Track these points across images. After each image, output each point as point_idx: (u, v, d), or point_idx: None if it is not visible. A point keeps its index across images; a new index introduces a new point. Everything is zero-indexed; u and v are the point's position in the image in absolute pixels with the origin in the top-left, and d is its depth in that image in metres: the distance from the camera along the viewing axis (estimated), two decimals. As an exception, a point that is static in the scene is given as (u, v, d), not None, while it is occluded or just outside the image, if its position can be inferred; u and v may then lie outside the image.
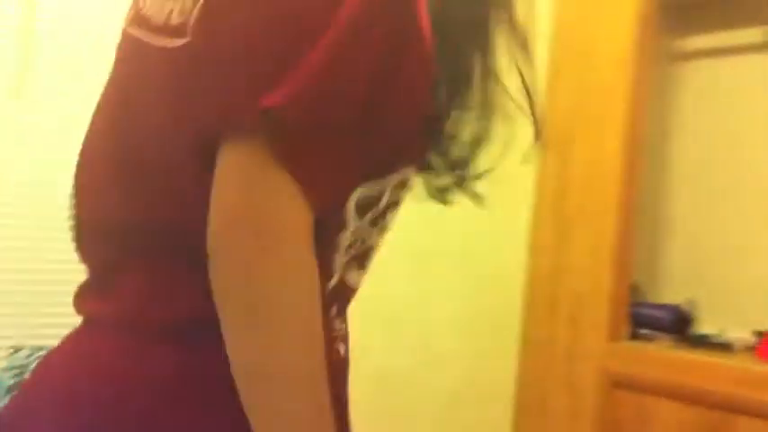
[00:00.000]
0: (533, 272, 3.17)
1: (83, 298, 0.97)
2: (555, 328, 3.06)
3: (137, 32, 0.95)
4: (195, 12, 0.86)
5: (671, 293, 3.14)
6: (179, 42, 0.87)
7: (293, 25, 0.81)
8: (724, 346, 2.80)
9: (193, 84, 0.85)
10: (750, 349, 2.74)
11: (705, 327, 2.95)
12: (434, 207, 1.11)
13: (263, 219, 0.78)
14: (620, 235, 2.91)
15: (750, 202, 3.03)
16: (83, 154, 1.00)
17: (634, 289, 3.05)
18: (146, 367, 0.86)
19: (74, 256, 1.02)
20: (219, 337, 0.80)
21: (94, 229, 0.96)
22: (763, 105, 3.02)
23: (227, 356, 0.80)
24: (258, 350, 0.78)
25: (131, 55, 0.97)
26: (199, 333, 0.84)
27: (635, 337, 2.94)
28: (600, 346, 2.89)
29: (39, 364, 0.98)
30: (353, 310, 1.03)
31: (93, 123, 1.00)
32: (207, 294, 0.81)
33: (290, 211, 0.79)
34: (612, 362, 2.85)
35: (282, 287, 0.78)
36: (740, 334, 2.83)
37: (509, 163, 2.87)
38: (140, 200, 0.89)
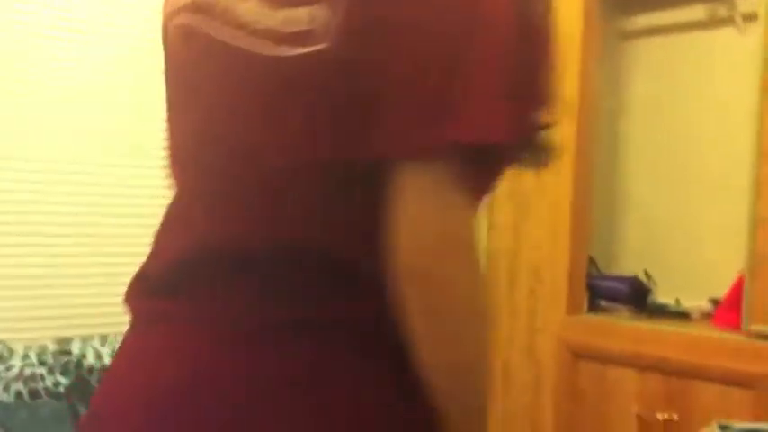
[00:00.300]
0: (493, 248, 3.19)
1: (147, 295, 0.97)
2: (516, 302, 3.09)
3: (216, 32, 0.91)
4: (337, 19, 0.83)
5: (627, 266, 3.19)
6: (305, 51, 0.84)
7: (454, 41, 0.82)
8: (681, 315, 2.85)
9: (333, 101, 0.83)
10: (707, 317, 2.79)
11: (662, 297, 3.00)
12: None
13: (459, 237, 0.85)
14: (576, 209, 2.95)
15: (700, 174, 3.08)
16: (174, 158, 0.99)
17: (591, 262, 3.09)
18: (271, 367, 0.87)
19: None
20: (317, 336, 0.86)
21: (201, 242, 0.93)
22: (708, 81, 3.07)
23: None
24: (461, 351, 0.86)
25: (214, 59, 0.92)
26: (300, 333, 0.87)
27: (594, 308, 2.98)
28: (559, 318, 2.93)
29: (118, 361, 0.99)
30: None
31: (177, 128, 0.99)
32: (308, 297, 0.86)
33: (473, 223, 0.87)
34: (572, 333, 2.89)
35: (476, 293, 0.87)
36: (697, 302, 2.88)
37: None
38: (253, 211, 0.90)
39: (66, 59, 2.69)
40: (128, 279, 1.01)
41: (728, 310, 2.67)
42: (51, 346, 2.07)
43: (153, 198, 2.09)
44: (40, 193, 2.52)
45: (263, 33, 0.86)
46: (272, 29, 0.86)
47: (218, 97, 0.91)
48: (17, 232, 2.39)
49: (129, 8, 2.84)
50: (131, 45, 2.83)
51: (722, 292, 2.75)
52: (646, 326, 2.75)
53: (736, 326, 2.54)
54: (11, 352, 2.03)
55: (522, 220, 3.10)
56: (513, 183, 3.14)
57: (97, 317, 2.27)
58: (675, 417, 2.51)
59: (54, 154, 2.60)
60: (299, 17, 0.84)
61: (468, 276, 0.85)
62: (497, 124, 0.84)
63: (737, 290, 2.64)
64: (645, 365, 2.62)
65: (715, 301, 2.80)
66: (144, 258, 1.01)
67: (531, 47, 0.89)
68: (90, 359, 2.00)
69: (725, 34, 3.00)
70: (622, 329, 2.77)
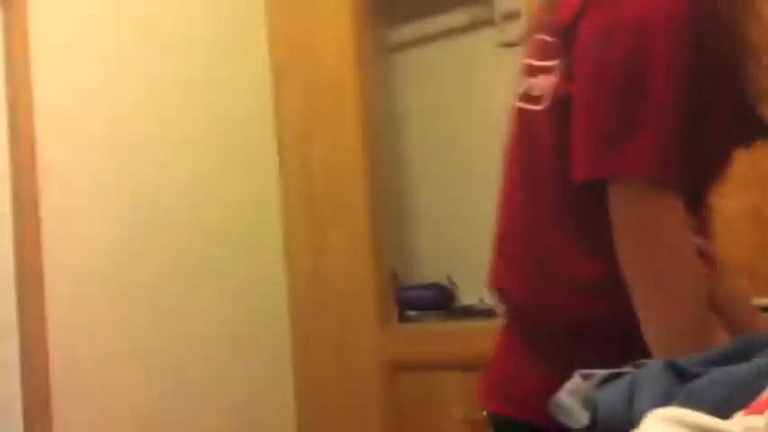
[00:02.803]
0: (293, 277, 3.05)
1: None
2: (325, 328, 2.97)
3: (519, 104, 1.32)
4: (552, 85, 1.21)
5: (429, 275, 3.17)
6: (541, 107, 1.24)
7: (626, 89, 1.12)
8: (487, 313, 2.84)
9: (560, 139, 1.17)
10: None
11: (466, 299, 2.99)
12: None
13: (676, 237, 1.12)
14: (375, 228, 2.90)
15: (480, 175, 3.12)
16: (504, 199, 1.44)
17: (393, 276, 3.04)
18: None
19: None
20: None
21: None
22: (479, 82, 3.13)
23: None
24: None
25: (519, 120, 1.34)
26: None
27: (404, 320, 2.93)
28: (372, 334, 2.84)
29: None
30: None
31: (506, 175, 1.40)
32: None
33: (670, 214, 1.12)
34: (387, 347, 2.81)
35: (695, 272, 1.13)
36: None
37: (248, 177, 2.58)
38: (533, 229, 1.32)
39: None
40: None
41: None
42: None
43: None
44: None
45: (530, 98, 1.27)
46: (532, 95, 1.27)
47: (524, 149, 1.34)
48: None
49: None
50: None
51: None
52: (456, 327, 2.73)
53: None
54: None
55: (320, 246, 3.00)
56: (305, 208, 3.04)
57: None
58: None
59: None
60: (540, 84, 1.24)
61: (671, 258, 1.11)
62: (664, 158, 1.10)
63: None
64: (463, 365, 2.58)
65: (517, 295, 2.83)
66: None
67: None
68: None
69: (487, 35, 3.08)
70: (434, 334, 2.74)
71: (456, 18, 3.15)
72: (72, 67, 2.57)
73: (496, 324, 2.65)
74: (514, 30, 2.84)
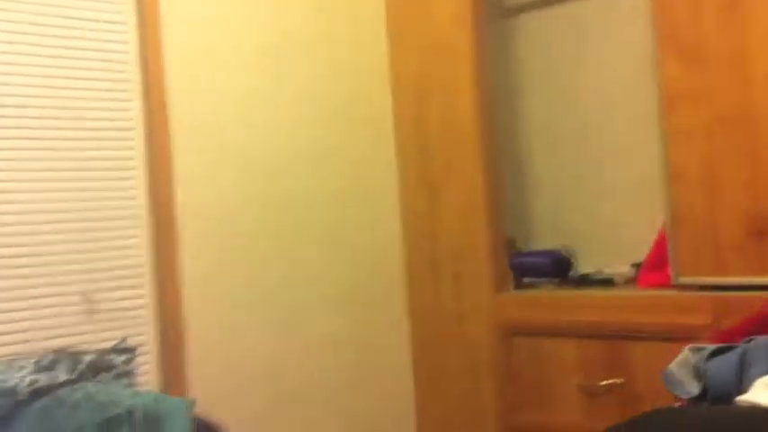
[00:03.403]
0: (410, 237, 3.11)
1: None
2: (441, 291, 3.02)
3: None
4: None
5: (545, 243, 3.16)
6: None
7: None
8: (606, 282, 2.83)
9: None
10: (630, 281, 2.78)
11: (584, 268, 2.98)
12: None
13: None
14: (490, 192, 2.91)
15: (597, 141, 3.08)
16: None
17: (510, 242, 3.05)
18: None
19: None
20: None
21: None
22: (595, 45, 3.08)
23: None
24: None
25: None
26: None
27: (520, 286, 2.94)
28: (487, 299, 2.87)
29: None
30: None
31: None
32: None
33: None
34: (502, 312, 2.83)
35: None
36: (619, 269, 2.87)
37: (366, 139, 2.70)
38: None
39: None
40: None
41: (651, 271, 2.67)
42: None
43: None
44: None
45: None
46: None
47: None
48: None
49: None
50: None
51: (642, 256, 2.74)
52: (574, 294, 2.72)
53: (660, 285, 2.53)
54: None
55: (435, 208, 3.04)
56: (420, 170, 3.08)
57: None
58: (619, 381, 2.48)
59: None
60: None
61: None
62: None
63: (657, 250, 2.64)
64: (580, 334, 2.59)
65: (637, 266, 2.79)
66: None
67: None
68: None
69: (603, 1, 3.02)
70: (551, 301, 2.73)
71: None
72: (199, 27, 2.67)
73: (613, 294, 2.66)
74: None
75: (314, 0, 2.98)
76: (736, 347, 1.04)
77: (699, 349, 1.10)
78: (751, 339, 1.00)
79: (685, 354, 1.12)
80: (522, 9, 3.26)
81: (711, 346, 1.11)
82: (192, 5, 2.67)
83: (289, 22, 2.91)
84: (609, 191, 3.04)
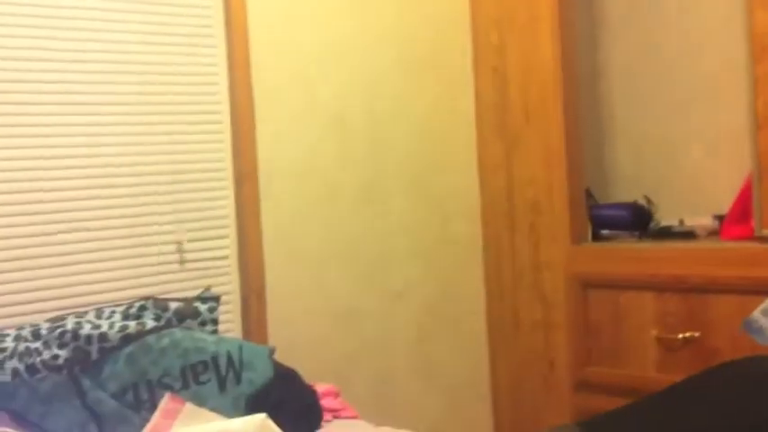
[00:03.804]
0: (487, 188, 3.11)
1: None
2: (517, 240, 3.01)
3: None
4: None
5: (625, 195, 3.12)
6: None
7: None
8: (687, 235, 2.78)
9: None
10: (713, 233, 2.72)
11: (665, 220, 2.93)
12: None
13: None
14: (569, 139, 2.88)
15: (681, 90, 3.00)
16: None
17: (587, 193, 3.02)
18: None
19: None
20: None
21: None
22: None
23: None
24: None
25: None
26: None
27: (597, 238, 2.91)
28: (565, 250, 2.85)
29: None
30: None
31: None
32: None
33: None
34: (580, 264, 2.82)
35: None
36: (701, 221, 2.82)
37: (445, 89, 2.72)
38: None
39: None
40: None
41: (735, 223, 2.61)
42: (45, 324, 1.97)
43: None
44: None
45: None
46: None
47: None
48: None
49: None
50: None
51: (725, 208, 2.68)
52: (654, 247, 2.68)
53: (744, 238, 2.48)
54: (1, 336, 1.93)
55: (513, 157, 3.02)
56: (497, 119, 3.06)
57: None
58: (696, 334, 2.45)
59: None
60: None
61: None
62: None
63: (742, 201, 2.57)
64: (659, 287, 2.56)
65: (720, 218, 2.73)
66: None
67: None
68: (87, 329, 1.89)
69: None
70: (631, 254, 2.70)
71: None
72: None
73: (694, 246, 2.62)
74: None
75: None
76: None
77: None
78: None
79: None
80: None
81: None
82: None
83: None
84: (693, 140, 2.96)
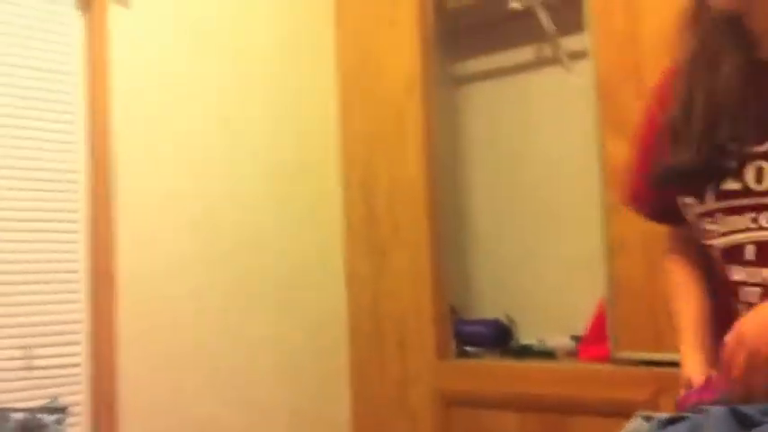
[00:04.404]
0: (354, 302, 3.09)
1: None
2: (384, 355, 2.99)
3: None
4: None
5: (486, 311, 3.18)
6: None
7: None
8: (547, 354, 2.84)
9: None
10: (571, 353, 2.80)
11: (525, 338, 3.00)
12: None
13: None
14: (435, 256, 2.91)
15: (541, 212, 3.13)
16: None
17: (451, 309, 3.05)
18: None
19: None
20: None
21: None
22: (541, 119, 3.16)
23: None
24: None
25: None
26: None
27: (461, 354, 2.93)
28: (430, 366, 2.85)
29: None
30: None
31: None
32: None
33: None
34: (444, 380, 2.82)
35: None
36: (559, 340, 2.89)
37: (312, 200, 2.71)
38: None
39: None
40: None
41: (591, 343, 2.69)
42: None
43: None
44: None
45: None
46: None
47: None
48: None
49: None
50: None
51: (582, 328, 2.77)
52: (515, 365, 2.72)
53: (601, 358, 2.56)
54: None
55: (381, 272, 3.04)
56: (366, 234, 3.08)
57: None
58: (558, 454, 2.48)
59: None
60: None
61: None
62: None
63: (598, 323, 2.67)
64: (520, 405, 2.58)
65: (577, 338, 2.82)
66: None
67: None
68: None
69: (552, 73, 3.12)
70: (493, 371, 2.73)
71: (522, 54, 3.20)
72: (148, 82, 2.66)
73: (553, 366, 2.68)
74: (580, 69, 2.89)
75: (265, 59, 3.00)
76: (687, 418, 1.04)
77: (651, 417, 1.11)
78: (701, 409, 1.01)
79: (638, 421, 1.12)
80: (471, 78, 3.34)
81: (664, 415, 1.12)
82: (143, 66, 2.66)
83: (240, 81, 2.91)
84: (552, 260, 3.08)
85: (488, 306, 3.20)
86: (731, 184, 1.22)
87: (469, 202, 3.33)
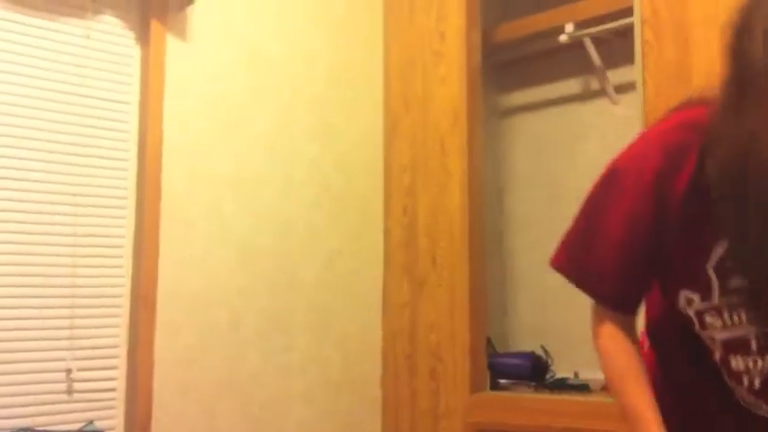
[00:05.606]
0: (389, 331, 3.10)
1: None
2: (416, 386, 2.99)
3: None
4: None
5: (522, 344, 3.16)
6: None
7: None
8: (581, 388, 2.82)
9: None
10: (606, 388, 2.77)
11: (561, 372, 2.97)
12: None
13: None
14: (474, 288, 2.91)
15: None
16: None
17: (487, 341, 3.05)
18: None
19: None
20: None
21: None
22: (586, 151, 3.15)
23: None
24: None
25: None
26: None
27: (495, 387, 2.92)
28: (463, 398, 2.84)
29: None
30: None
31: None
32: None
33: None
34: (477, 413, 2.80)
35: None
36: (595, 375, 2.87)
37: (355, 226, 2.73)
38: None
39: None
40: None
41: (627, 379, 2.66)
42: None
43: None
44: None
45: None
46: None
47: None
48: None
49: None
50: None
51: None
52: (550, 399, 2.70)
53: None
54: None
55: (418, 301, 3.04)
56: (405, 262, 3.09)
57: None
58: (590, 489, 2.45)
59: None
60: None
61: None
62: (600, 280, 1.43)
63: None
64: (554, 440, 2.57)
65: (613, 372, 2.79)
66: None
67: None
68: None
69: (598, 105, 3.12)
70: (527, 405, 2.71)
71: (568, 87, 3.20)
72: (202, 106, 2.73)
73: (588, 400, 2.65)
74: (626, 101, 2.88)
75: (315, 90, 3.05)
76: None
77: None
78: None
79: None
80: (517, 110, 3.34)
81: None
82: (199, 90, 2.72)
83: (289, 110, 2.96)
84: (582, 295, 3.04)
85: (526, 339, 3.18)
86: (737, 282, 1.22)
87: (510, 233, 3.32)
